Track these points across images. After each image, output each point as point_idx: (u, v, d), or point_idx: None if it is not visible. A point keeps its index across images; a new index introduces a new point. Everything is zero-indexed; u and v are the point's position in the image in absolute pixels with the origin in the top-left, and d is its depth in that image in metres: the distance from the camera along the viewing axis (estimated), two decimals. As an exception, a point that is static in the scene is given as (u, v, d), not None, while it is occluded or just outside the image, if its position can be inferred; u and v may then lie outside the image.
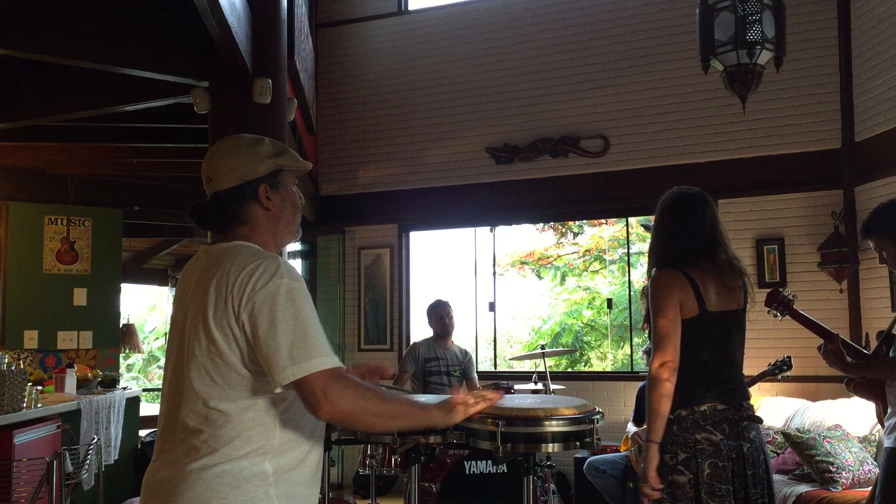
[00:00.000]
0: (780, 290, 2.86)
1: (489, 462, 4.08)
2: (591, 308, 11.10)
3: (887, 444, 2.59)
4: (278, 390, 1.49)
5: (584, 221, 10.15)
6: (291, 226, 1.72)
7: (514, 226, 7.85)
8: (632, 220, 7.18)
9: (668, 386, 2.30)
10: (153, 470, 1.57)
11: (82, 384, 5.06)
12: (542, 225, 9.94)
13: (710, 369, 2.35)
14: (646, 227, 3.14)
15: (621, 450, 5.02)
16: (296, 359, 1.46)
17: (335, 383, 1.48)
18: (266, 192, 1.65)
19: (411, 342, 6.11)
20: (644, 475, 2.34)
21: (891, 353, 2.65)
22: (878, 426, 4.36)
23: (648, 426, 2.35)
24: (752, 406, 2.40)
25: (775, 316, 2.82)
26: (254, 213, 1.65)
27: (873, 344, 2.89)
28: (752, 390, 4.20)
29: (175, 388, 1.57)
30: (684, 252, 2.42)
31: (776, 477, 4.37)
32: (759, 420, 2.38)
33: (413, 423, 1.66)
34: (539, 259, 11.08)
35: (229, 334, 1.50)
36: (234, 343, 1.50)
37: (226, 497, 1.47)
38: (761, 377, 4.30)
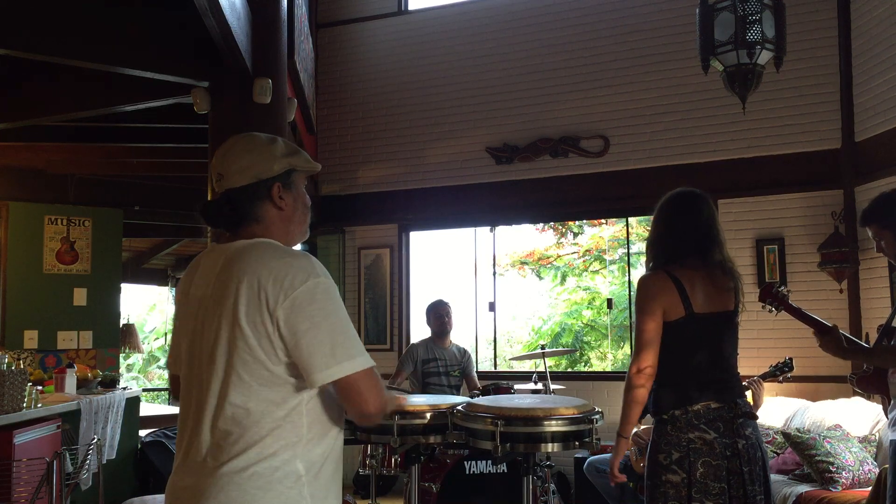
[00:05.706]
0: (773, 284, 2.85)
1: (489, 462, 4.07)
2: (591, 308, 11.11)
3: (893, 436, 2.54)
4: (315, 388, 1.51)
5: (584, 221, 10.15)
6: (302, 226, 1.72)
7: (514, 226, 7.85)
8: (632, 220, 7.18)
9: (643, 392, 2.36)
10: (179, 476, 1.54)
11: (82, 384, 5.06)
12: (542, 225, 9.94)
13: (703, 371, 2.36)
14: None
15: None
16: (338, 357, 1.47)
17: (374, 381, 1.54)
18: (279, 191, 1.63)
19: (411, 342, 6.11)
20: (610, 465, 2.45)
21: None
22: (878, 426, 4.36)
23: (620, 423, 2.43)
24: (747, 403, 2.40)
25: (770, 311, 2.80)
26: (267, 211, 1.63)
27: (873, 342, 2.88)
28: (752, 390, 4.19)
29: (197, 389, 1.54)
30: (679, 249, 2.44)
31: (776, 477, 4.37)
32: (755, 417, 2.38)
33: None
34: (539, 259, 11.09)
35: (261, 331, 1.47)
36: (266, 340, 1.47)
37: (259, 500, 1.45)
38: (762, 378, 4.29)
